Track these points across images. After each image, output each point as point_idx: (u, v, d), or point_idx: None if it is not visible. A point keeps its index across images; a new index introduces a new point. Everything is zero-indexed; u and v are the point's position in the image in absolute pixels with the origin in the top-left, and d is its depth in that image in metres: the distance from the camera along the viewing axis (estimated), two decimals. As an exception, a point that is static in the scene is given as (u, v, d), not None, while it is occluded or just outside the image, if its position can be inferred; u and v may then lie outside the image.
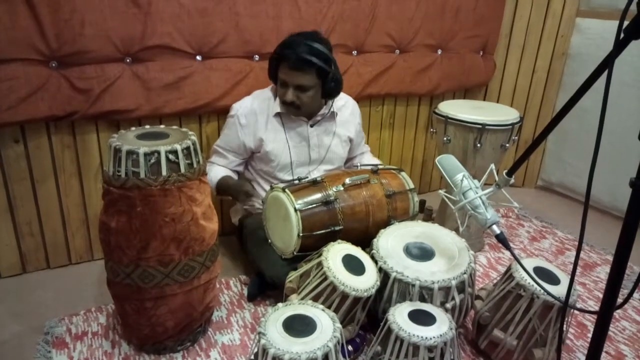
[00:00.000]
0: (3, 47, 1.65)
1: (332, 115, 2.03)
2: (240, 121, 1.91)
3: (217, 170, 1.96)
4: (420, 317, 1.38)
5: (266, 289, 1.87)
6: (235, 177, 2.01)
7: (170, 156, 1.35)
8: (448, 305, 1.50)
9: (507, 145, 2.11)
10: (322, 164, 2.04)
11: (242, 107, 1.93)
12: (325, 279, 1.45)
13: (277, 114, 1.93)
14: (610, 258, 2.24)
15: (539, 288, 1.40)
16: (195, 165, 1.42)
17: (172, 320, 1.50)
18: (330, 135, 2.03)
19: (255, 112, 1.92)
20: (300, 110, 1.88)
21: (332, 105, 1.99)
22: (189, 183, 1.39)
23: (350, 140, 2.12)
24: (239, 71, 2.08)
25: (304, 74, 1.78)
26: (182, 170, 1.37)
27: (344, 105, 2.08)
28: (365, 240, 1.70)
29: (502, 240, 1.36)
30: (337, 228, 1.70)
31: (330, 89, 1.86)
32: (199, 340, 1.64)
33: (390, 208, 1.81)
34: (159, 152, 1.33)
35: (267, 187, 1.89)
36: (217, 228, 1.55)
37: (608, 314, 0.95)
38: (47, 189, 1.94)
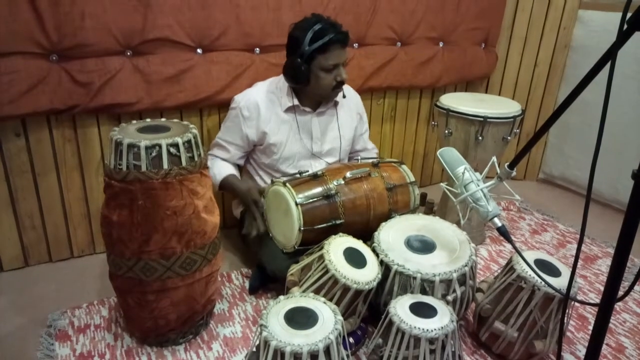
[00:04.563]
0: (3, 40, 1.64)
1: (334, 105, 2.02)
2: (243, 113, 1.90)
3: (221, 167, 1.96)
4: (422, 310, 1.38)
5: (268, 281, 1.88)
6: (237, 172, 2.01)
7: (172, 149, 1.35)
8: (449, 298, 1.50)
9: (509, 138, 2.11)
10: (325, 157, 2.04)
11: (244, 99, 1.91)
12: (327, 272, 1.46)
13: (288, 108, 1.92)
14: (611, 251, 2.25)
15: (540, 280, 1.40)
16: (196, 159, 1.42)
17: (174, 313, 1.51)
18: (332, 125, 2.03)
19: (258, 105, 1.90)
20: (343, 86, 1.91)
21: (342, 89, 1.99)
22: (190, 176, 1.39)
23: (355, 129, 2.12)
24: (240, 64, 2.08)
25: (347, 47, 1.85)
26: (184, 163, 1.37)
27: (345, 95, 2.08)
28: (366, 234, 1.71)
29: (504, 232, 1.36)
30: (338, 222, 1.70)
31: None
32: (201, 332, 1.65)
33: (391, 201, 1.81)
34: (160, 146, 1.33)
35: (269, 180, 1.89)
36: (219, 221, 1.55)
37: (609, 307, 0.95)
38: (49, 182, 1.94)
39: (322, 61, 1.79)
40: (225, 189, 1.94)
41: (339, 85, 1.86)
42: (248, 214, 1.88)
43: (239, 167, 2.06)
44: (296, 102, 1.91)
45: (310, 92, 1.89)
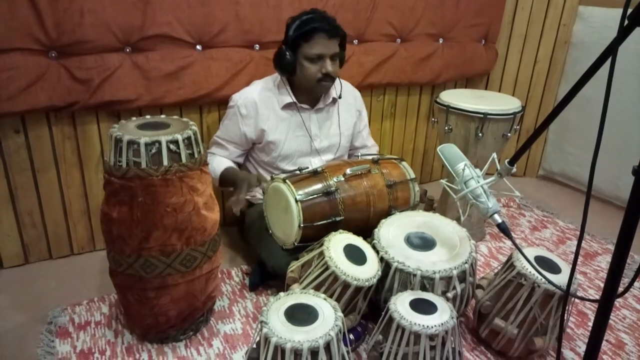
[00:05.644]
0: (2, 36, 1.64)
1: (334, 103, 2.02)
2: (240, 111, 1.90)
3: (220, 161, 1.95)
4: (422, 306, 1.39)
5: (268, 278, 1.88)
6: (237, 168, 2.00)
7: (171, 146, 1.35)
8: (449, 295, 1.50)
9: (509, 134, 2.11)
10: (323, 154, 2.04)
11: (242, 98, 1.91)
12: (327, 268, 1.46)
13: (285, 105, 1.92)
14: (611, 247, 2.25)
15: (540, 277, 1.40)
16: (196, 155, 1.41)
17: (174, 310, 1.51)
18: (331, 123, 2.03)
19: (255, 103, 1.90)
20: (333, 82, 1.89)
21: (338, 87, 1.99)
22: (190, 173, 1.39)
23: (354, 126, 2.11)
24: (240, 61, 2.07)
25: (336, 41, 1.84)
26: (183, 160, 1.37)
27: (345, 91, 2.07)
28: (366, 230, 1.71)
29: (504, 229, 1.36)
30: (338, 218, 1.70)
31: (343, 58, 1.93)
32: (201, 329, 1.65)
33: (391, 198, 1.81)
34: (160, 142, 1.33)
35: (268, 178, 1.89)
36: (219, 218, 1.55)
37: (609, 303, 0.95)
38: (48, 179, 1.94)
39: (307, 50, 1.80)
40: (224, 182, 1.92)
41: (325, 78, 1.85)
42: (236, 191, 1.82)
43: (239, 166, 2.05)
44: (293, 98, 1.90)
45: (298, 83, 1.90)
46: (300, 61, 1.82)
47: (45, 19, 1.67)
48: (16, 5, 1.63)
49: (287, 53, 1.80)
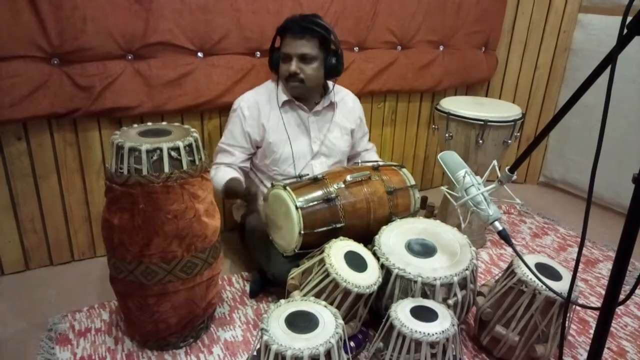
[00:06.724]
0: (5, 44, 1.65)
1: (332, 107, 2.03)
2: (243, 113, 1.93)
3: (224, 171, 1.94)
4: (423, 313, 1.38)
5: (268, 285, 1.88)
6: (242, 176, 1.99)
7: (173, 153, 1.35)
8: (450, 302, 1.50)
9: (509, 141, 2.11)
10: (323, 157, 2.04)
11: (243, 100, 1.95)
12: (328, 275, 1.46)
13: (284, 104, 1.94)
14: (612, 254, 2.24)
15: (540, 284, 1.40)
16: (197, 162, 1.42)
17: (174, 317, 1.51)
18: (330, 126, 2.03)
19: (257, 103, 1.94)
20: (304, 84, 1.88)
21: (332, 92, 2.00)
22: (191, 180, 1.40)
23: (352, 132, 2.12)
24: (241, 68, 2.08)
25: (307, 41, 1.83)
26: (185, 167, 1.38)
27: (344, 97, 2.09)
28: (366, 237, 1.71)
29: (504, 236, 1.36)
30: (338, 225, 1.70)
31: (332, 65, 1.90)
32: (201, 336, 1.65)
33: (391, 205, 1.81)
34: (161, 149, 1.33)
35: (269, 184, 1.89)
36: (220, 225, 1.55)
37: (610, 310, 0.95)
38: (50, 186, 1.94)
39: (281, 49, 1.87)
40: (229, 194, 1.89)
41: (291, 77, 1.87)
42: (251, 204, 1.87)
43: (245, 174, 2.04)
44: (290, 96, 1.93)
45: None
46: (280, 60, 1.90)
47: (48, 26, 1.68)
48: (19, 13, 1.64)
49: (274, 52, 1.91)
